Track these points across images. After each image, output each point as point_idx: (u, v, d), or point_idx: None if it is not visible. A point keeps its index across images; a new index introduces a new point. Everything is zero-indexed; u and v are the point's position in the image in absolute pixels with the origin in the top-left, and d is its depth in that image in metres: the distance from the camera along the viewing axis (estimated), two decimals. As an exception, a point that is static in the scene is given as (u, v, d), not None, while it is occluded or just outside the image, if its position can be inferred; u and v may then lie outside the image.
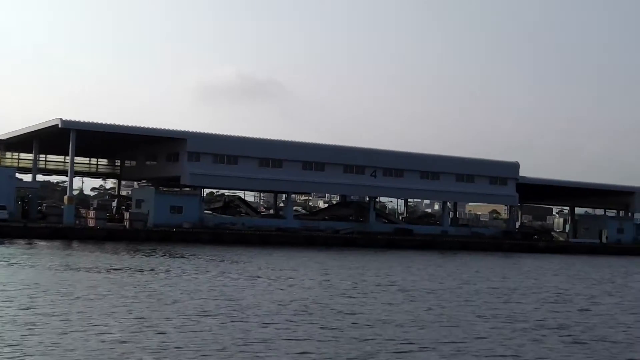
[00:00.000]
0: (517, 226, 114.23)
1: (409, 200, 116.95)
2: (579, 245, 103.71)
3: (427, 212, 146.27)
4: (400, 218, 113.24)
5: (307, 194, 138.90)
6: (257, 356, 18.62)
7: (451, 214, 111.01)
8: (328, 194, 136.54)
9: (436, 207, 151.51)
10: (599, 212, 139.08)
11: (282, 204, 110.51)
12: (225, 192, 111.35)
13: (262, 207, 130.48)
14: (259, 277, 39.81)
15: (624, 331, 26.01)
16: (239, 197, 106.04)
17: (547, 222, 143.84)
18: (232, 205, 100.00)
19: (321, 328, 23.35)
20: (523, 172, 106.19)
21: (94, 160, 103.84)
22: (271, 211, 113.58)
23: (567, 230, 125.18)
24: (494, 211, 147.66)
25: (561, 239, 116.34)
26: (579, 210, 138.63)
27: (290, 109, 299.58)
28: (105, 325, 21.96)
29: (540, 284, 43.75)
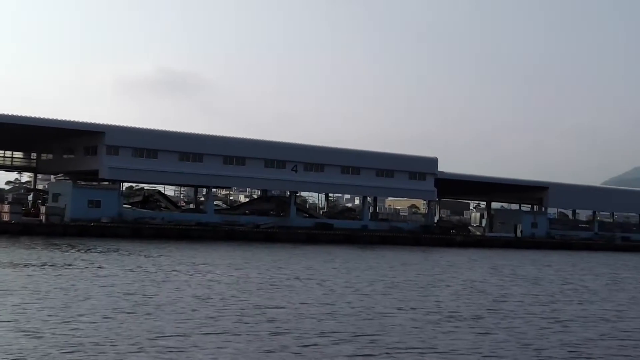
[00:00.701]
0: (435, 221, 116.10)
1: (330, 194, 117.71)
2: (495, 239, 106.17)
3: (347, 206, 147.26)
4: (321, 212, 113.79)
5: (228, 188, 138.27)
6: (172, 351, 18.60)
7: (371, 209, 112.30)
8: (249, 189, 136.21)
9: (357, 201, 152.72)
10: (515, 206, 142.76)
11: (202, 199, 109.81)
12: (145, 186, 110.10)
13: (182, 202, 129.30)
14: (176, 271, 39.60)
15: (531, 321, 26.80)
16: (159, 192, 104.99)
17: (465, 216, 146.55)
18: (152, 200, 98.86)
19: (237, 322, 23.46)
20: (442, 167, 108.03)
21: (8, 154, 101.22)
22: (191, 205, 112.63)
23: (483, 224, 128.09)
24: (413, 206, 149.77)
25: (478, 233, 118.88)
26: (495, 205, 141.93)
27: (211, 103, 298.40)
28: (17, 322, 21.58)
29: (455, 277, 44.65)
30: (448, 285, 39.37)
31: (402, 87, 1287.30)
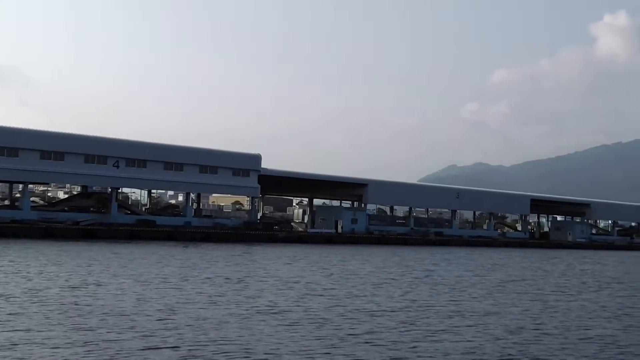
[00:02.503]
0: (258, 217, 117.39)
1: (153, 191, 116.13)
2: (317, 235, 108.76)
3: (171, 203, 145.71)
4: (144, 209, 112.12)
5: (46, 184, 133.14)
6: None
7: (195, 205, 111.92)
8: (68, 185, 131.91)
9: (180, 198, 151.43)
10: (336, 203, 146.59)
11: (18, 195, 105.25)
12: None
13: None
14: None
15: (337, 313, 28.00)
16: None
17: (288, 212, 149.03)
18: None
19: (47, 318, 23.15)
20: (265, 164, 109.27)
21: None
22: (6, 202, 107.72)
23: (306, 220, 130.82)
24: (237, 202, 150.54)
25: (300, 229, 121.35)
26: (317, 201, 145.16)
27: (30, 97, 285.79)
28: None
29: (271, 273, 45.51)
30: (260, 281, 40.13)
31: (229, 86, 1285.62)
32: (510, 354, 20.65)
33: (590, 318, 29.67)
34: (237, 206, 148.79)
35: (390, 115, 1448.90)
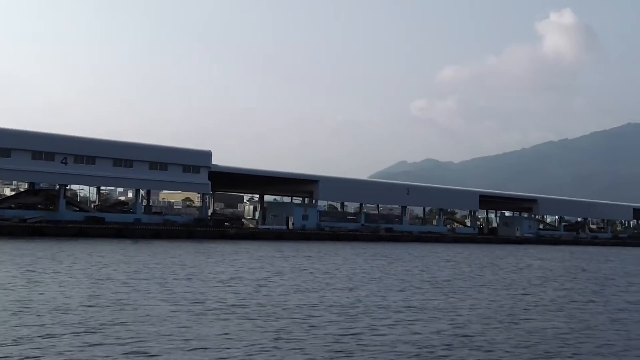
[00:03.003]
0: (209, 213, 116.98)
1: (102, 188, 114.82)
2: (267, 231, 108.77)
3: (120, 200, 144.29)
4: (93, 206, 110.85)
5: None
6: None
7: (144, 202, 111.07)
8: (15, 181, 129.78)
9: (130, 194, 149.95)
10: (287, 199, 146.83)
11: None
12: None
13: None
14: None
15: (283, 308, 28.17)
16: None
17: (239, 209, 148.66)
18: None
19: None
20: (216, 160, 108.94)
21: None
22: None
23: (257, 217, 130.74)
24: (188, 199, 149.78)
25: (251, 225, 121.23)
26: (268, 197, 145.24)
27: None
28: None
29: (218, 270, 45.45)
30: (201, 279, 40.05)
31: (179, 81, 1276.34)
32: (452, 345, 20.98)
33: (527, 310, 30.23)
34: (187, 203, 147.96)
35: (340, 112, 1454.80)
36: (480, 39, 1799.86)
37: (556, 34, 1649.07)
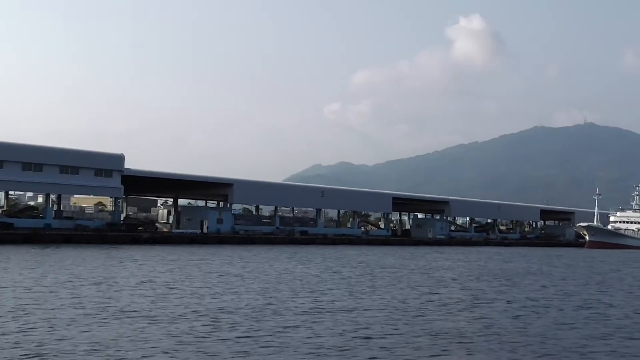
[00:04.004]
0: (122, 218, 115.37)
1: (10, 192, 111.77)
2: (182, 235, 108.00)
3: (30, 204, 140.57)
4: (0, 211, 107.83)
5: None
6: None
7: (55, 207, 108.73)
8: None
9: (40, 199, 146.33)
10: (201, 203, 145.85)
11: None
12: None
13: None
14: None
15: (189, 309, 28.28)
16: None
17: (152, 213, 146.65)
18: None
19: None
20: (129, 164, 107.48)
21: None
22: None
23: (171, 221, 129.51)
24: (100, 203, 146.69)
25: (165, 230, 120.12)
26: (182, 201, 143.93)
27: None
28: None
29: (126, 274, 45.12)
30: (110, 283, 39.78)
31: (96, 85, 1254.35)
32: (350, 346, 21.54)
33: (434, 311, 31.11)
34: (99, 207, 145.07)
35: (256, 116, 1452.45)
36: (392, 44, 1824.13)
37: (466, 39, 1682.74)
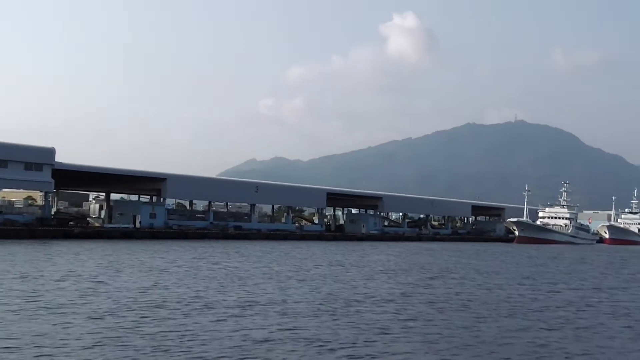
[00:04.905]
0: (53, 212, 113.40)
1: None
2: (114, 230, 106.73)
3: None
4: None
5: None
6: None
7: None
8: None
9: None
10: (134, 197, 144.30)
11: None
12: None
13: None
14: None
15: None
16: None
17: (84, 208, 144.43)
18: None
19: None
20: (60, 158, 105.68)
21: None
22: None
23: (103, 215, 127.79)
24: (30, 197, 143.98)
25: (97, 224, 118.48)
26: (115, 196, 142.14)
27: None
28: None
29: (53, 269, 44.62)
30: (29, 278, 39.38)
31: (26, 78, 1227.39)
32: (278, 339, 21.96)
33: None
34: (29, 201, 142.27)
35: (189, 110, 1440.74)
36: (327, 41, 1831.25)
37: (400, 36, 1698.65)
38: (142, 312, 26.82)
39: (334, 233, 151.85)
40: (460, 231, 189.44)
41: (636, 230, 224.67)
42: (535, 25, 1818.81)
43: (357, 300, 32.64)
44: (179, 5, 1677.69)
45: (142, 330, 22.70)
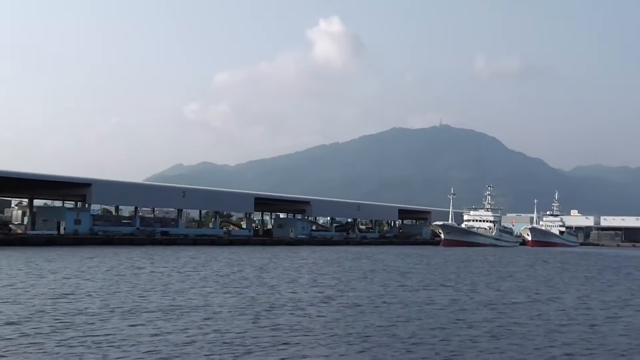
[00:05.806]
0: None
1: None
2: (37, 236, 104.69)
3: None
4: None
5: None
6: None
7: None
8: None
9: None
10: (58, 203, 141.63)
11: None
12: None
13: None
14: None
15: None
16: None
17: (6, 214, 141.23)
18: None
19: None
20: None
21: None
22: None
23: (25, 222, 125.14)
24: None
25: (19, 231, 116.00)
26: (38, 202, 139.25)
27: None
28: None
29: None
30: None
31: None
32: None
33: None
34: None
35: (114, 115, 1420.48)
36: (254, 45, 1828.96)
37: (326, 41, 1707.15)
38: (61, 317, 26.84)
39: (262, 238, 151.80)
40: (387, 235, 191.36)
41: (557, 232, 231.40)
42: (459, 31, 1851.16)
43: (280, 304, 33.13)
44: (103, 9, 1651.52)
45: (59, 337, 22.76)
